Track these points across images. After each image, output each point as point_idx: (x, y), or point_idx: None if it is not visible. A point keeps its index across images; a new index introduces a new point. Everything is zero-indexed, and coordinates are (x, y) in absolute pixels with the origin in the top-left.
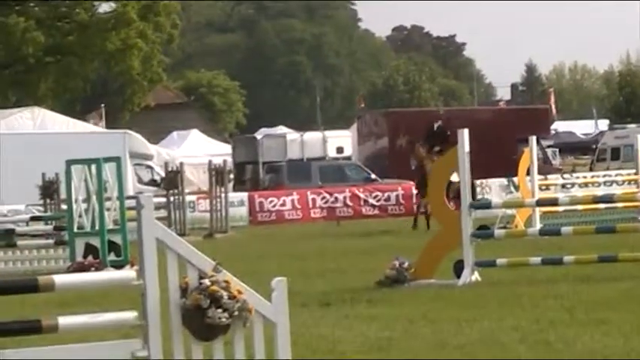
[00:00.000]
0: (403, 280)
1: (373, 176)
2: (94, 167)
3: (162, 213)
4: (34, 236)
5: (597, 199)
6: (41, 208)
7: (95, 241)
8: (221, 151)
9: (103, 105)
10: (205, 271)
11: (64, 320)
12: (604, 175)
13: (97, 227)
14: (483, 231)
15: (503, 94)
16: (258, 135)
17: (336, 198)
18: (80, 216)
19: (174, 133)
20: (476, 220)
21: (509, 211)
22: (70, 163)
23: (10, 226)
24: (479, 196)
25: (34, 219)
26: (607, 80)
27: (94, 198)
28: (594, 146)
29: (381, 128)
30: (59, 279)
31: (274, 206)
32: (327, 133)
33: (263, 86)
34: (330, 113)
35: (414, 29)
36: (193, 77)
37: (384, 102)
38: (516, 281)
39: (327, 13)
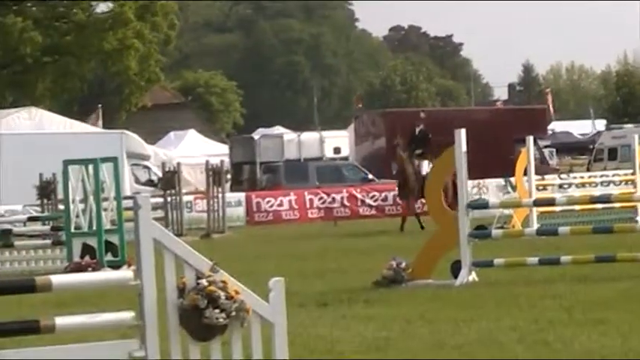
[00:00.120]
0: (400, 280)
1: (370, 176)
2: (91, 167)
3: (160, 213)
4: (31, 236)
5: (594, 200)
6: (38, 209)
7: (92, 242)
8: (218, 152)
9: (100, 105)
10: (203, 271)
11: (61, 320)
12: (601, 176)
13: (94, 227)
14: (481, 231)
15: (501, 94)
16: (256, 135)
17: (333, 198)
18: (77, 216)
19: (172, 134)
20: (473, 220)
21: (507, 211)
22: (67, 163)
23: (8, 226)
24: (475, 197)
25: (31, 219)
26: (604, 80)
27: (91, 198)
28: (591, 146)
29: (378, 128)
30: (56, 279)
31: (271, 206)
32: (325, 133)
33: (260, 86)
34: (327, 113)
35: (411, 29)
36: (191, 77)
37: (381, 102)
38: (514, 281)
39: (325, 13)
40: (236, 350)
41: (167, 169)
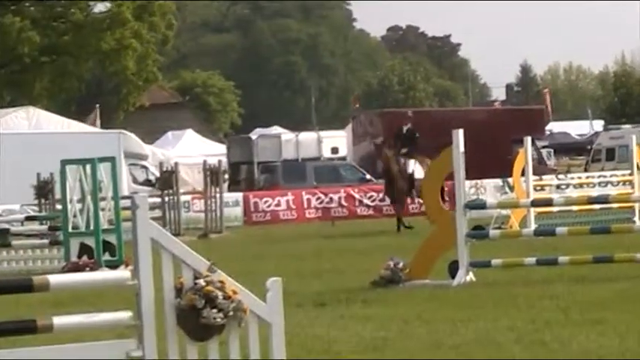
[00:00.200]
0: (398, 280)
1: (368, 176)
2: (88, 167)
3: (157, 213)
4: (28, 236)
5: (592, 200)
6: (36, 208)
7: (90, 241)
8: (216, 151)
9: (97, 105)
10: (200, 271)
11: (58, 320)
12: (599, 176)
13: (91, 227)
14: (478, 231)
15: (498, 94)
16: (253, 135)
17: (330, 198)
18: (75, 216)
19: (169, 133)
20: (471, 220)
21: (504, 212)
22: (64, 163)
23: (5, 225)
24: (473, 197)
25: (28, 219)
26: (602, 81)
27: (88, 198)
28: (589, 147)
29: (375, 128)
30: (54, 279)
31: (269, 206)
32: (322, 133)
33: (258, 86)
34: (325, 113)
35: (409, 29)
36: (188, 77)
37: (379, 102)
38: (511, 282)
39: (323, 13)
40: (233, 350)
41: (165, 169)
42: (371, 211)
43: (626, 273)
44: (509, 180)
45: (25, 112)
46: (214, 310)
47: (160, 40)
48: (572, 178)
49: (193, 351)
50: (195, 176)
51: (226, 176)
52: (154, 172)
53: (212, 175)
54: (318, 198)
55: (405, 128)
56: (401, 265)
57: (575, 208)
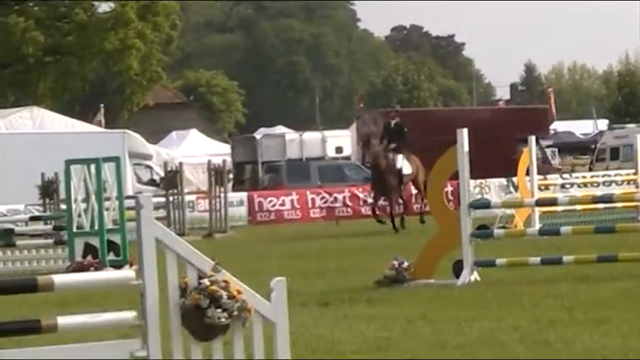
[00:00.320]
0: (402, 279)
1: None
2: (93, 167)
3: (162, 213)
4: (33, 236)
5: (596, 199)
6: (40, 208)
7: (94, 241)
8: (220, 151)
9: (102, 105)
10: (205, 270)
11: (63, 320)
12: (603, 175)
13: (96, 227)
14: (483, 231)
15: (503, 94)
16: (258, 135)
17: (335, 198)
18: (79, 216)
19: (174, 133)
20: (475, 219)
21: (509, 211)
22: (69, 162)
23: (10, 225)
24: (477, 196)
25: (33, 219)
26: (606, 80)
27: (93, 198)
28: (593, 146)
29: (380, 128)
30: (58, 279)
31: (273, 206)
32: (326, 132)
33: (262, 86)
34: (329, 113)
35: (413, 29)
36: (192, 77)
37: (383, 102)
38: (516, 281)
39: (326, 13)
40: (238, 350)
41: (169, 169)
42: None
43: (630, 272)
44: (514, 179)
45: (29, 112)
46: (219, 310)
47: (164, 40)
48: (577, 178)
49: (198, 351)
50: (199, 176)
51: (231, 176)
52: (159, 172)
53: (216, 174)
54: (323, 197)
55: (393, 123)
56: (405, 264)
57: (579, 207)
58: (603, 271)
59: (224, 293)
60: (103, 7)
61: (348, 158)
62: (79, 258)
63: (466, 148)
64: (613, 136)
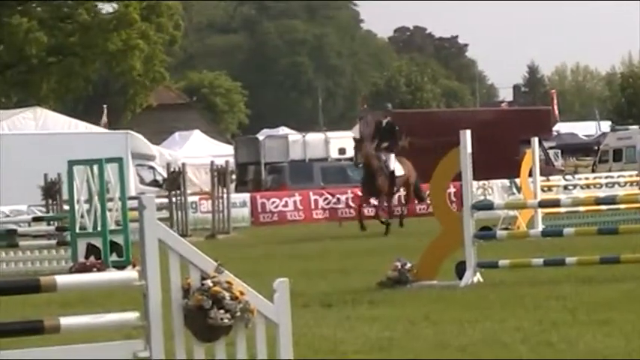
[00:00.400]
0: (405, 281)
1: None
2: (96, 168)
3: (165, 214)
4: (36, 237)
5: (599, 201)
6: (43, 209)
7: (97, 242)
8: (223, 152)
9: (105, 105)
10: (207, 271)
11: (66, 321)
12: (606, 177)
13: (99, 228)
14: (485, 232)
15: (506, 95)
16: (261, 136)
17: (338, 199)
18: (82, 216)
19: (177, 134)
20: (478, 221)
21: (512, 213)
22: (72, 163)
23: (12, 226)
24: (480, 198)
25: (36, 219)
26: (609, 82)
27: (96, 198)
28: (596, 148)
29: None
30: (61, 279)
31: (276, 207)
32: (330, 133)
33: (265, 87)
34: (332, 114)
35: (416, 30)
36: (195, 78)
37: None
38: (518, 282)
39: (329, 13)
40: (240, 350)
41: (172, 170)
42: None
43: (633, 273)
44: (517, 181)
45: (32, 112)
46: (221, 311)
47: (168, 40)
48: (580, 179)
49: (200, 352)
50: (202, 177)
51: (233, 177)
52: (162, 173)
53: (219, 175)
54: (326, 199)
55: (384, 122)
56: (408, 265)
57: (582, 208)
58: (606, 273)
59: (227, 294)
60: (106, 8)
61: (351, 159)
62: (81, 259)
63: (469, 149)
64: (616, 137)
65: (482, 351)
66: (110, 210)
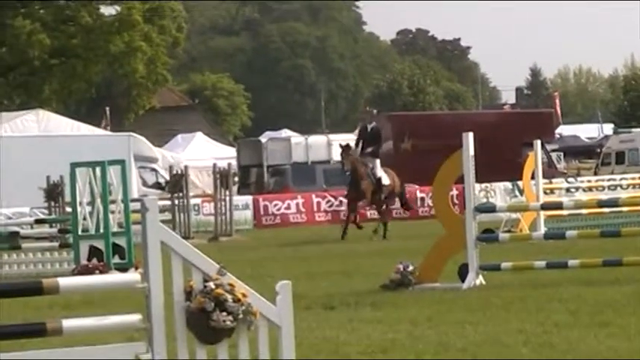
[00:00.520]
0: (408, 283)
1: None
2: (98, 170)
3: (167, 216)
4: (38, 239)
5: (602, 203)
6: (46, 211)
7: (100, 244)
8: (226, 154)
9: (107, 107)
10: (210, 274)
11: (68, 323)
12: (609, 179)
13: (101, 230)
14: (488, 234)
15: (508, 97)
16: (263, 138)
17: (340, 201)
18: (85, 219)
19: (179, 136)
20: (480, 223)
21: (514, 215)
22: (74, 165)
23: (15, 228)
24: (483, 200)
25: (38, 221)
26: (612, 84)
27: (98, 201)
28: (599, 150)
29: (385, 131)
30: (63, 282)
31: (279, 209)
32: (332, 136)
33: (267, 89)
34: (334, 116)
35: (418, 32)
36: (198, 80)
37: (388, 105)
38: (521, 285)
39: (332, 14)
40: (243, 352)
41: (174, 172)
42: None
43: (635, 276)
44: (519, 183)
45: (34, 114)
46: (224, 314)
47: (171, 43)
48: (582, 182)
49: (203, 353)
50: (204, 179)
51: (236, 179)
52: (164, 175)
53: (222, 178)
54: (328, 201)
55: (369, 127)
56: (410, 268)
57: (584, 211)
58: (609, 275)
59: (229, 296)
60: (109, 10)
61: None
62: (84, 261)
63: (471, 151)
64: (619, 140)
65: (485, 353)
66: (112, 212)
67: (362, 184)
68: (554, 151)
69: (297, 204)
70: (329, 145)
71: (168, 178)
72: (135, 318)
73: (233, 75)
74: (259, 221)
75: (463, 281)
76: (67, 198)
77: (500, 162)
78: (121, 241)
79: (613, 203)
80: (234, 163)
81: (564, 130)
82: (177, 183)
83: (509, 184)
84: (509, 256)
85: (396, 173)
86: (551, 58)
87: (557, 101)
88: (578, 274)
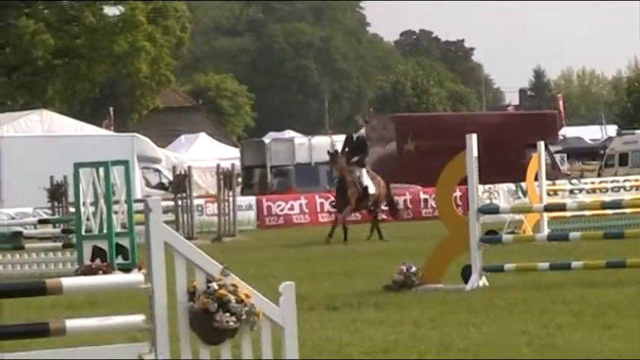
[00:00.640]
0: (411, 284)
1: None
2: (102, 170)
3: (170, 216)
4: (41, 239)
5: (605, 205)
6: (49, 211)
7: (103, 244)
8: (229, 155)
9: (111, 108)
10: (213, 274)
11: (71, 323)
12: (612, 181)
13: (104, 230)
14: (491, 236)
15: (512, 99)
16: (267, 139)
17: None
18: (88, 219)
19: (182, 137)
20: (484, 225)
21: (517, 217)
22: (78, 166)
23: (18, 228)
24: (486, 201)
25: (41, 222)
26: (615, 86)
27: (102, 201)
28: (602, 152)
29: (389, 132)
30: (67, 282)
31: (282, 210)
32: (335, 137)
33: (271, 90)
34: (338, 117)
35: (422, 34)
36: (202, 80)
37: (392, 106)
38: (524, 286)
39: (336, 15)
40: (246, 353)
41: (178, 173)
42: (383, 216)
43: (638, 278)
44: (523, 185)
45: (38, 115)
46: (227, 314)
47: (175, 43)
48: (586, 183)
49: (206, 354)
50: (208, 180)
51: (239, 180)
52: (167, 176)
53: (225, 178)
54: (332, 202)
55: (355, 136)
56: (414, 269)
57: (588, 213)
58: (612, 277)
59: (232, 297)
60: (113, 11)
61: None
62: (87, 261)
63: (475, 153)
64: (622, 141)
65: (487, 353)
66: (116, 212)
67: (348, 192)
68: (557, 152)
69: (301, 205)
70: (332, 146)
71: (171, 178)
72: (138, 318)
73: (237, 75)
74: (262, 222)
75: (466, 282)
76: (71, 198)
77: (504, 163)
78: (125, 242)
79: (616, 205)
80: (237, 163)
81: (568, 131)
82: (180, 183)
83: (512, 186)
84: (513, 257)
85: (398, 174)
86: (554, 59)
87: (561, 103)
88: (581, 275)
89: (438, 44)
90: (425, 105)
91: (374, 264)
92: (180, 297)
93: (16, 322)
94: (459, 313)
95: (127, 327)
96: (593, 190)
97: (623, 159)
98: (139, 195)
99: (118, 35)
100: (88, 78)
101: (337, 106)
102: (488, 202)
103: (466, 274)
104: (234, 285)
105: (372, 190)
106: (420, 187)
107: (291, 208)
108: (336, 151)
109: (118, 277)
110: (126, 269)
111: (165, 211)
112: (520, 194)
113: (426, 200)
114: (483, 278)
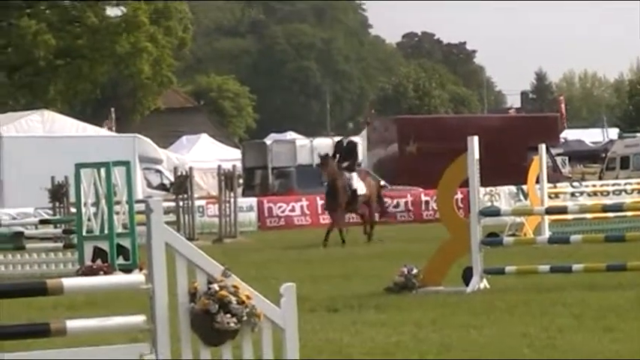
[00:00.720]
0: (412, 286)
1: (382, 182)
2: (103, 171)
3: (172, 217)
4: (43, 239)
5: (606, 208)
6: (50, 212)
7: (104, 245)
8: (230, 156)
9: (112, 108)
10: (214, 275)
11: (72, 324)
12: (613, 184)
13: (106, 231)
14: (492, 238)
15: (513, 101)
16: (268, 140)
17: None
18: (89, 219)
19: (184, 138)
20: (485, 227)
21: (519, 219)
22: (79, 166)
23: (19, 228)
24: (487, 204)
25: (42, 222)
26: (617, 89)
27: (103, 201)
28: (604, 155)
29: (390, 134)
30: (68, 282)
31: (283, 211)
32: (337, 138)
33: (272, 91)
34: (339, 119)
35: (424, 36)
36: (203, 81)
37: (394, 108)
38: (525, 289)
39: (337, 15)
40: (247, 353)
41: (179, 174)
42: (385, 218)
43: (639, 281)
44: (524, 187)
45: (39, 115)
46: (228, 315)
47: (177, 44)
48: (587, 186)
49: (207, 354)
50: (209, 181)
51: (241, 181)
52: (169, 177)
53: (226, 179)
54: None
55: (345, 141)
56: (415, 271)
57: (589, 215)
58: (612, 280)
59: (233, 298)
60: (115, 11)
61: (358, 164)
62: (88, 262)
63: (476, 155)
64: (623, 144)
65: (487, 353)
66: (117, 213)
67: (338, 196)
68: (558, 155)
69: (302, 206)
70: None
71: (172, 179)
72: (139, 319)
73: (238, 77)
74: (264, 223)
75: (467, 285)
76: (72, 199)
77: (505, 166)
78: (126, 242)
79: (617, 208)
80: (238, 164)
81: (569, 134)
82: (181, 184)
83: (513, 188)
84: (514, 260)
85: (400, 176)
86: (556, 62)
87: (563, 105)
88: (582, 278)
89: (440, 47)
90: (427, 107)
91: (375, 266)
92: (181, 298)
93: (17, 322)
94: (460, 315)
95: (128, 327)
96: (595, 193)
97: (625, 162)
98: (140, 196)
99: (120, 36)
100: (89, 78)
101: (339, 107)
102: (489, 204)
103: (467, 276)
104: (235, 286)
105: (362, 190)
106: (421, 190)
107: (292, 210)
108: (327, 155)
109: (118, 278)
110: (127, 270)
111: (167, 211)
112: (521, 197)
113: (427, 202)
114: (484, 280)
